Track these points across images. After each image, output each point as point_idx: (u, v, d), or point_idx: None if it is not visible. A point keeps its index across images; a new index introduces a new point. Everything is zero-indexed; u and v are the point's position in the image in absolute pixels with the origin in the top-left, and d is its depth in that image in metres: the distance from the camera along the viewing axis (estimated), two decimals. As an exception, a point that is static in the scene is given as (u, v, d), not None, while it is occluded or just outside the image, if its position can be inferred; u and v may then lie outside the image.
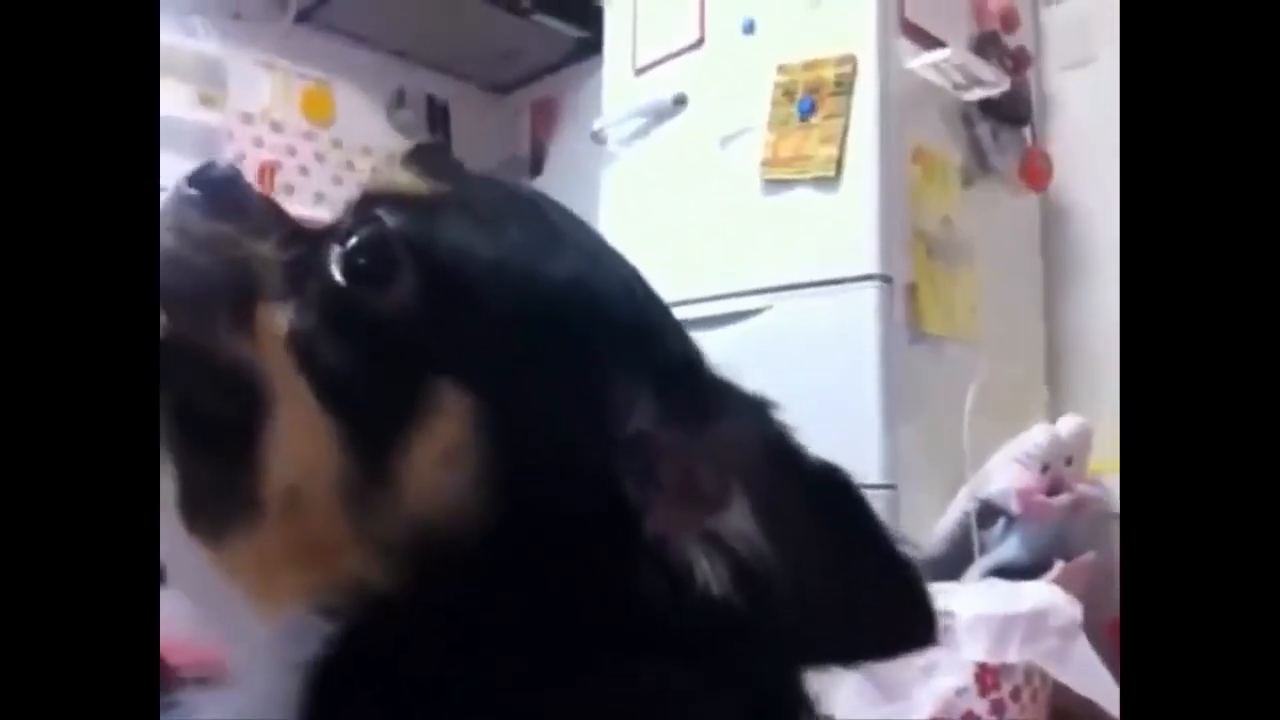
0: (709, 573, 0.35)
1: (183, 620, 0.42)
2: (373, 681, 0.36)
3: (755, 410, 0.38)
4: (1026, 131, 1.97)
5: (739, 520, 0.35)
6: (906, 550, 0.36)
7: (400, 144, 2.99)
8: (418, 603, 0.36)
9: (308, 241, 0.42)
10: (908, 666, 1.35)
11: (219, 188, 0.43)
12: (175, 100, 2.46)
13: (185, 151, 2.44)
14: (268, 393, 0.39)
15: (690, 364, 0.40)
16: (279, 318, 0.40)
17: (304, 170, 2.80)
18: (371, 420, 0.37)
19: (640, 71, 2.08)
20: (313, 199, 2.77)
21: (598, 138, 2.15)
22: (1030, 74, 1.99)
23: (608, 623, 0.35)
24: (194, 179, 0.43)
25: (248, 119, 2.68)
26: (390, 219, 0.40)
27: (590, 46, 2.58)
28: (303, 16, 2.72)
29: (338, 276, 0.39)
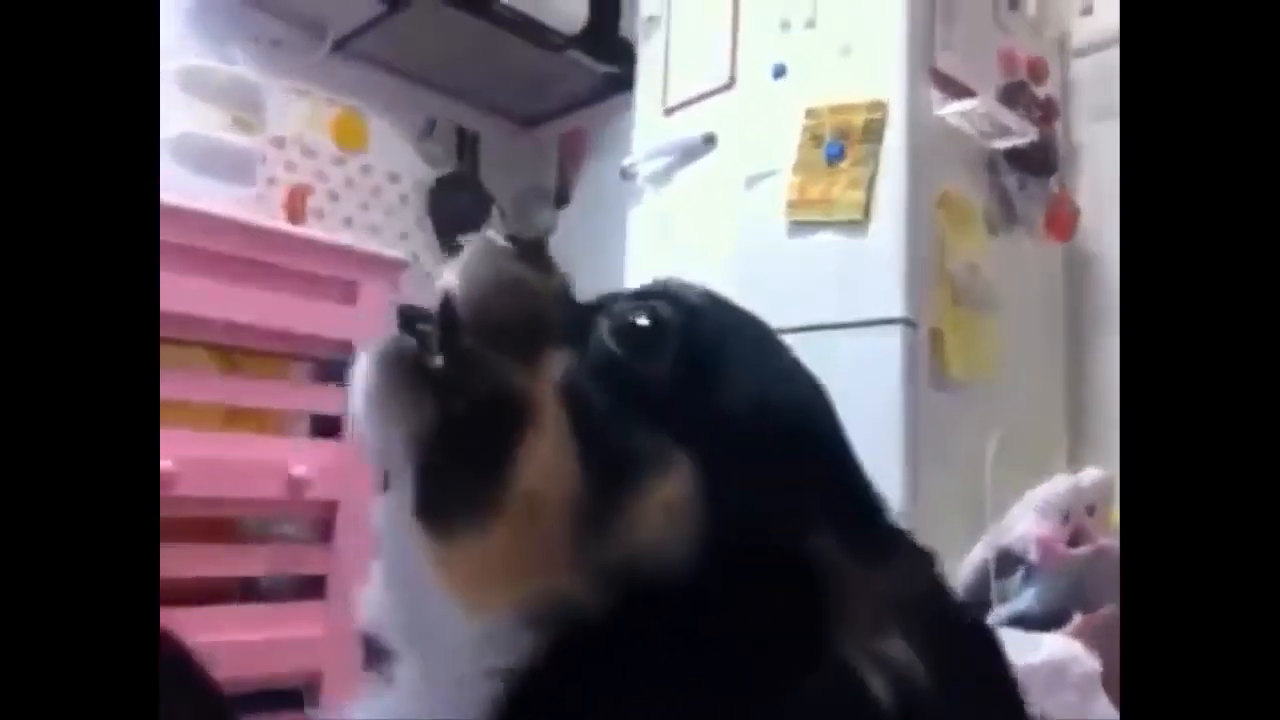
0: (873, 680, 0.39)
1: (384, 614, 0.47)
2: (565, 698, 0.40)
3: (923, 558, 0.44)
4: (1053, 181, 1.98)
5: (898, 648, 0.40)
6: (1031, 710, 0.43)
7: (428, 173, 3.03)
8: (617, 631, 0.40)
9: (582, 309, 0.51)
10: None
11: (529, 248, 0.51)
12: (210, 124, 2.50)
13: (219, 174, 2.48)
14: (532, 415, 0.45)
15: (877, 509, 0.47)
16: (555, 361, 0.47)
17: (334, 195, 2.83)
18: (614, 460, 0.43)
19: (670, 111, 2.10)
20: (341, 223, 2.81)
21: (626, 174, 2.17)
22: (1058, 124, 2.01)
23: (775, 698, 0.39)
24: (509, 236, 0.51)
25: (280, 143, 2.72)
26: (665, 310, 0.48)
27: (620, 83, 2.61)
28: (339, 46, 2.77)
29: (611, 343, 0.47)
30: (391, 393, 0.46)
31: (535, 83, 2.93)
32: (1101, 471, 1.72)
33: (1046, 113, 1.94)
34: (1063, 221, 1.97)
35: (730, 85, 1.97)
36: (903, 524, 0.46)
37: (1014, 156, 1.86)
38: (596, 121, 2.99)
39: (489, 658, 0.40)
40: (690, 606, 0.41)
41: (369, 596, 0.48)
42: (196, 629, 1.17)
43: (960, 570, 1.63)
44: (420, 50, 2.79)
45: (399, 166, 2.98)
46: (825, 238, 1.74)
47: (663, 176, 2.09)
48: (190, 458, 1.19)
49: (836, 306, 1.69)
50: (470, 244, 0.50)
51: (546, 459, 0.44)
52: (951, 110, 1.73)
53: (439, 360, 0.47)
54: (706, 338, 0.47)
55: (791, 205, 1.79)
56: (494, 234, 0.51)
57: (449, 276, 0.49)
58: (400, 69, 2.92)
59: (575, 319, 0.49)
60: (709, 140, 1.97)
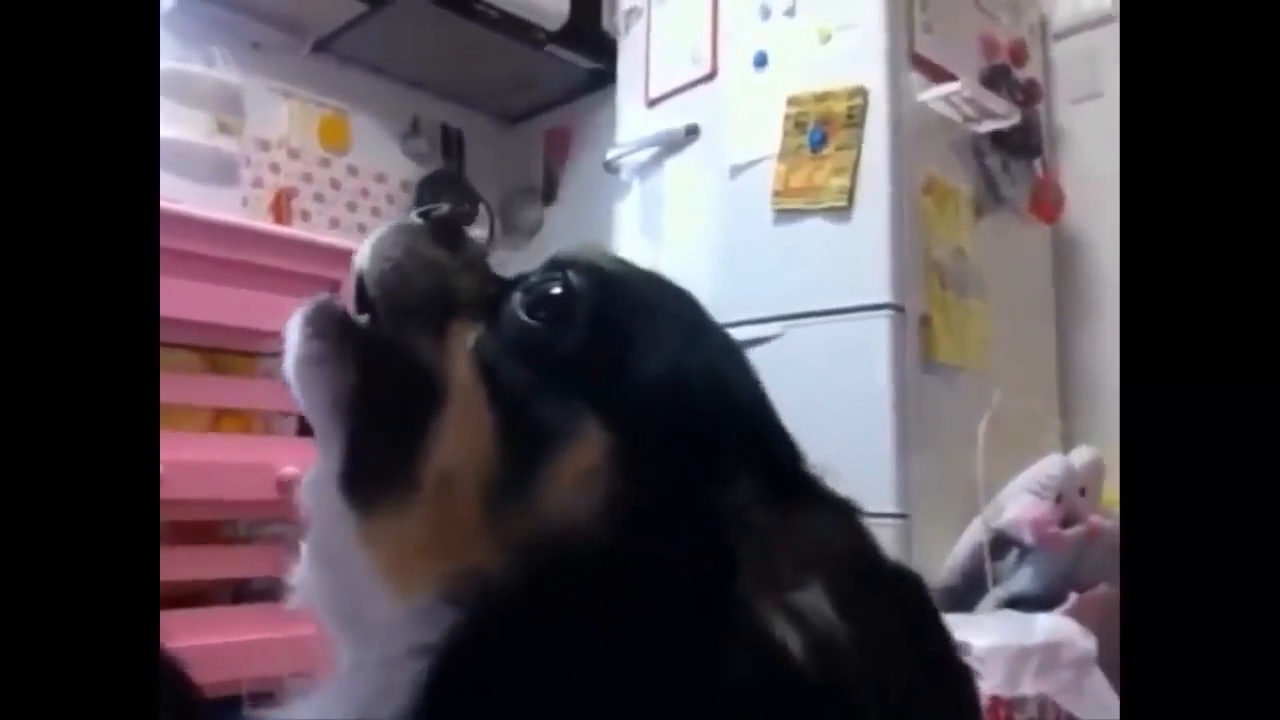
0: (789, 638, 0.38)
1: (313, 594, 0.47)
2: (489, 669, 0.40)
3: (842, 509, 0.43)
4: (1037, 163, 1.98)
5: (816, 600, 0.39)
6: (969, 662, 0.41)
7: (414, 171, 3.03)
8: (533, 605, 0.41)
9: (498, 283, 0.51)
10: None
11: (441, 226, 0.52)
12: (194, 127, 2.49)
13: (202, 177, 2.47)
14: (444, 390, 0.45)
15: (792, 461, 0.46)
16: (468, 334, 0.47)
17: (319, 197, 2.83)
18: (527, 431, 0.44)
19: (653, 103, 2.10)
20: (328, 224, 2.80)
21: (610, 167, 2.17)
22: (1040, 107, 2.01)
23: (691, 659, 0.38)
24: (423, 214, 0.52)
25: (265, 146, 2.71)
26: (576, 279, 0.48)
27: (603, 78, 2.61)
28: (320, 46, 2.76)
29: (522, 314, 0.47)
30: (317, 350, 0.47)
31: (519, 79, 2.93)
32: (1093, 451, 1.72)
33: (1028, 95, 1.93)
34: (1048, 203, 1.97)
35: (712, 76, 1.96)
36: (818, 474, 0.45)
37: (997, 139, 1.86)
38: (581, 117, 2.99)
39: (412, 636, 0.40)
40: (605, 575, 0.41)
41: (298, 576, 0.48)
42: (188, 632, 1.16)
43: (954, 553, 1.63)
44: (402, 49, 2.78)
45: (385, 166, 2.97)
46: (811, 226, 1.74)
47: (648, 169, 2.08)
48: (179, 461, 1.19)
49: (824, 294, 1.69)
50: (383, 226, 0.52)
51: (460, 430, 0.44)
52: (934, 94, 1.73)
53: (364, 319, 0.48)
54: (619, 304, 0.47)
55: (777, 194, 1.78)
56: (410, 215, 0.52)
57: (359, 256, 0.50)
58: (383, 68, 2.92)
59: (490, 294, 0.50)
60: (691, 131, 1.97)
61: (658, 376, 0.45)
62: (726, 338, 0.50)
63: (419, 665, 0.40)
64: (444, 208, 0.53)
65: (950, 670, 0.41)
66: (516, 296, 0.48)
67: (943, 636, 0.41)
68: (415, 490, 0.43)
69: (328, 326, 0.48)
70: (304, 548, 0.49)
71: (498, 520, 0.42)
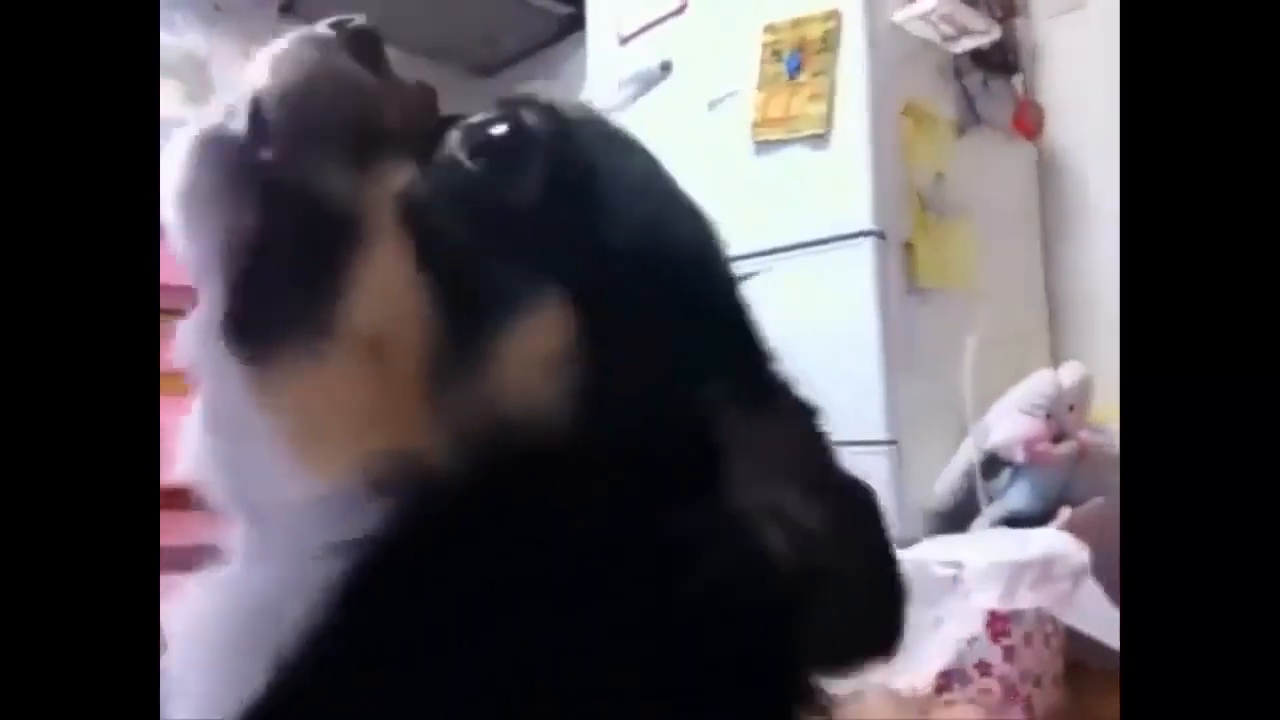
0: (772, 536, 0.35)
1: (212, 472, 0.39)
2: (423, 572, 0.34)
3: (807, 412, 0.40)
4: (1017, 80, 1.95)
5: (791, 498, 0.36)
6: (905, 572, 0.38)
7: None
8: (482, 494, 0.35)
9: (433, 119, 0.42)
10: (918, 618, 1.35)
11: (359, 39, 0.42)
12: (160, 97, 2.45)
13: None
14: (362, 234, 0.38)
15: (767, 357, 0.42)
16: (395, 175, 0.39)
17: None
18: (474, 297, 0.37)
19: (625, 41, 2.06)
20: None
21: (586, 109, 2.14)
22: (1018, 22, 1.97)
23: (661, 558, 0.35)
24: (335, 25, 0.42)
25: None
26: (530, 118, 0.40)
27: (574, 23, 2.56)
28: (286, 7, 2.70)
29: (462, 156, 0.40)
30: (206, 185, 0.39)
31: (489, 30, 2.88)
32: (1081, 367, 1.72)
33: (1007, 10, 1.90)
34: (1029, 120, 1.95)
35: (683, 8, 1.93)
36: (787, 376, 0.41)
37: (976, 57, 1.83)
38: (553, 65, 2.94)
39: (331, 526, 0.34)
40: (569, 468, 0.36)
41: (187, 439, 0.40)
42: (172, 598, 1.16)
43: (946, 474, 1.64)
44: (369, 6, 2.72)
45: (359, 126, 2.93)
46: (792, 154, 1.72)
47: (623, 108, 2.05)
48: (163, 426, 1.18)
49: (806, 223, 1.67)
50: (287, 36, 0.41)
51: (385, 286, 0.37)
52: (910, 14, 1.70)
53: (268, 154, 0.39)
54: (583, 154, 0.40)
55: (756, 125, 1.76)
56: (322, 26, 0.42)
57: (257, 70, 0.40)
58: (351, 25, 2.86)
59: (424, 129, 0.42)
60: (666, 67, 1.93)
61: (629, 247, 0.39)
62: (700, 211, 0.44)
63: (339, 561, 0.34)
64: (359, 18, 0.43)
65: (886, 576, 0.39)
66: (455, 135, 0.40)
67: (886, 546, 0.39)
68: (330, 343, 0.36)
69: (221, 158, 0.39)
70: (196, 407, 0.40)
71: (440, 398, 0.36)
